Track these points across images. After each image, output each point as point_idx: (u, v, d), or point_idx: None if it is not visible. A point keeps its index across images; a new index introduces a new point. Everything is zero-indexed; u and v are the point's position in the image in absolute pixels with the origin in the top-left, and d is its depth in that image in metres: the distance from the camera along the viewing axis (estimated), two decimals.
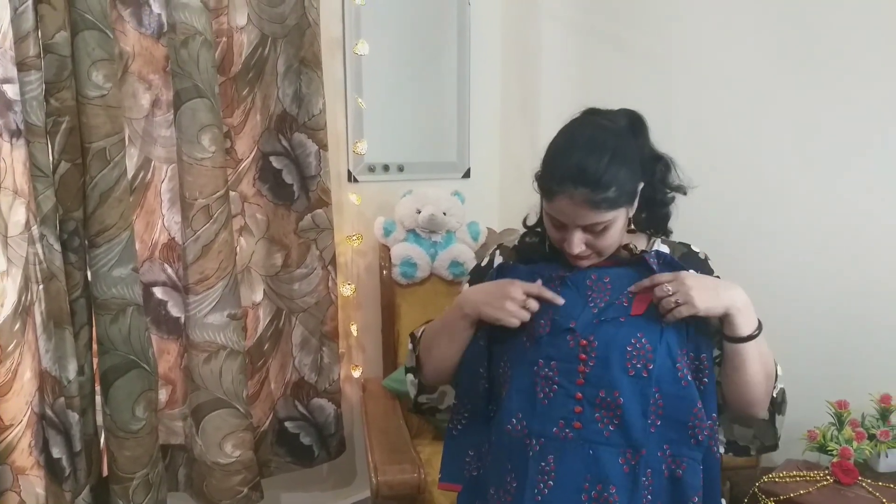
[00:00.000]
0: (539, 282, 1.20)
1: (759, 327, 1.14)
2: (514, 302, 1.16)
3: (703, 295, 1.10)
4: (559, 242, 1.19)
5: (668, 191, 1.25)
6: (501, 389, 1.20)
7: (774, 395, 1.17)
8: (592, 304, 1.16)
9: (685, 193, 1.26)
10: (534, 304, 1.16)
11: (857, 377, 1.72)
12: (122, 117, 1.54)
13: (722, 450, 1.24)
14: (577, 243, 1.14)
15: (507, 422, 1.15)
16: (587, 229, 1.14)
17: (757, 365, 1.14)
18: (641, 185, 1.18)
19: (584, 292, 1.19)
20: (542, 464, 1.10)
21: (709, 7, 1.87)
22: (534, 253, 1.30)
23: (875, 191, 1.71)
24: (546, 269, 1.24)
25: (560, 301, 1.17)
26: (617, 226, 1.15)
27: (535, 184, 1.21)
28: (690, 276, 1.13)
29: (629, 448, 1.09)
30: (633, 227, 1.27)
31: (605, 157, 1.09)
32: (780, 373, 1.19)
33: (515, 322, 1.16)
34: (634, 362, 1.11)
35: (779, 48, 1.78)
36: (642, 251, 1.21)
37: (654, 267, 1.17)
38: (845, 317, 1.76)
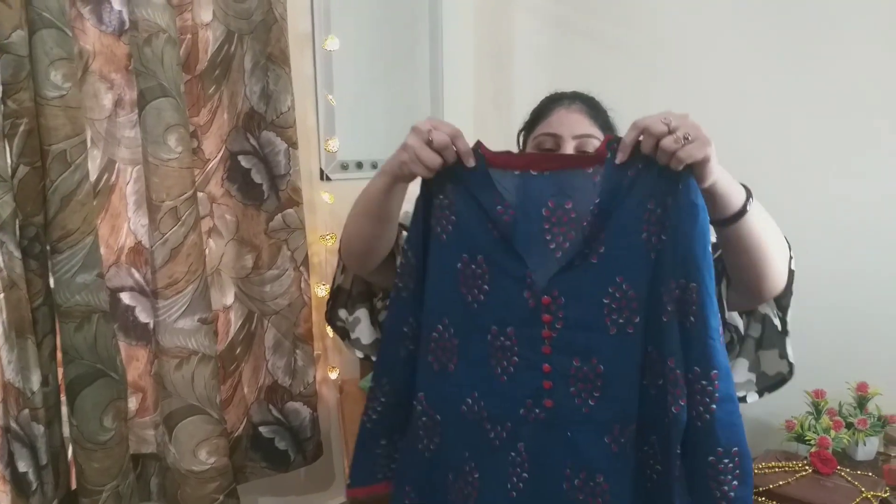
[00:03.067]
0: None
1: (749, 193, 0.90)
2: (417, 135, 0.88)
3: (701, 143, 0.84)
4: None
5: None
6: (446, 359, 0.97)
7: (792, 268, 0.99)
8: (553, 244, 0.91)
9: None
10: (441, 138, 0.87)
11: (833, 366, 1.72)
12: (83, 118, 1.48)
13: (754, 398, 1.05)
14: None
15: (460, 401, 0.95)
16: (579, 147, 1.10)
17: (766, 237, 0.92)
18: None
19: (541, 225, 0.91)
20: (513, 454, 0.93)
21: None
22: None
23: (851, 179, 1.72)
24: (488, 194, 0.92)
25: (471, 162, 0.89)
26: None
27: (522, 133, 1.23)
28: (693, 121, 0.87)
29: (616, 423, 0.91)
30: None
31: (593, 97, 1.18)
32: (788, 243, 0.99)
33: (419, 169, 0.89)
34: (615, 316, 0.89)
35: (755, 37, 1.78)
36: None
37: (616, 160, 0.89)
38: (821, 306, 1.77)
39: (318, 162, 2.01)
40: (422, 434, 0.99)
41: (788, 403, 1.66)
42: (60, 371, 1.55)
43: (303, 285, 1.87)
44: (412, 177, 0.94)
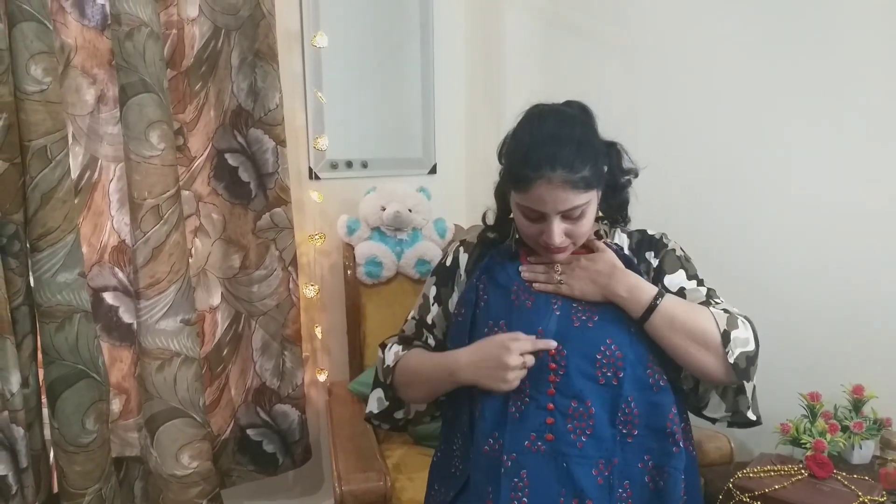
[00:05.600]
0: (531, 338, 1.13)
1: (650, 308, 1.11)
2: (515, 371, 1.10)
3: (582, 282, 1.15)
4: (535, 237, 1.15)
5: (624, 175, 1.23)
6: (474, 408, 1.16)
7: (732, 361, 1.09)
8: (554, 306, 1.15)
9: (637, 175, 1.24)
10: (531, 360, 1.10)
11: (828, 368, 1.70)
12: (63, 113, 1.46)
13: (723, 425, 1.22)
14: (558, 233, 1.11)
15: (483, 443, 1.11)
16: (565, 216, 1.10)
17: (675, 338, 1.10)
18: (606, 169, 1.16)
19: (549, 296, 1.17)
20: (516, 479, 1.06)
21: None
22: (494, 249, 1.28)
23: (846, 181, 1.70)
24: (511, 267, 1.21)
25: (553, 344, 1.11)
26: (591, 210, 1.14)
27: (502, 181, 1.20)
28: (581, 265, 1.16)
29: (601, 458, 1.07)
30: (599, 213, 1.24)
31: (574, 140, 1.08)
32: (738, 336, 1.10)
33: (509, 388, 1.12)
34: (605, 370, 1.09)
35: (744, 33, 1.76)
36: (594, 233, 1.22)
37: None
38: (815, 308, 1.75)
39: (307, 160, 1.98)
40: (456, 473, 1.20)
41: (783, 406, 1.63)
42: (41, 372, 1.52)
43: (291, 286, 1.84)
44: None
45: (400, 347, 1.30)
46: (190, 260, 1.68)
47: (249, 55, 1.71)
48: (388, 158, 2.12)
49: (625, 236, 1.26)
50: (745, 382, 1.12)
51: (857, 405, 1.63)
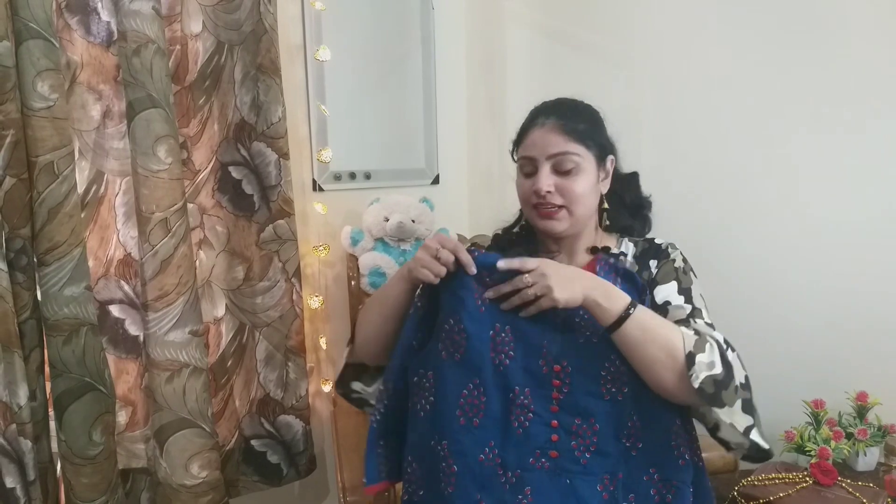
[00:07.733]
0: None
1: (622, 318, 1.05)
2: (426, 250, 1.11)
3: (561, 286, 1.06)
4: (529, 195, 1.18)
5: (641, 198, 1.27)
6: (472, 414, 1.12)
7: (697, 386, 1.01)
8: (557, 318, 1.12)
9: (650, 208, 1.29)
10: (446, 255, 1.09)
11: (832, 375, 1.70)
12: (70, 129, 1.47)
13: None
14: (545, 178, 1.14)
15: (478, 451, 1.09)
16: (556, 168, 1.14)
17: (644, 350, 1.05)
18: (612, 159, 1.21)
19: (551, 312, 1.12)
20: (520, 496, 1.06)
21: (672, 8, 1.86)
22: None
23: (843, 192, 1.71)
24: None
25: (472, 270, 1.09)
26: (586, 177, 1.16)
27: (513, 150, 1.25)
28: (550, 267, 1.08)
29: (606, 474, 1.07)
30: (608, 222, 1.25)
31: (576, 105, 1.20)
32: (703, 360, 1.03)
33: (430, 277, 1.10)
34: (609, 386, 1.08)
35: (747, 44, 1.77)
36: (602, 248, 1.22)
37: (602, 274, 1.15)
38: (819, 315, 1.75)
39: (310, 172, 1.99)
40: (441, 476, 1.12)
41: (787, 414, 1.64)
42: (48, 385, 1.53)
43: (294, 297, 1.85)
44: (420, 282, 1.14)
45: None
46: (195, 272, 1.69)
47: (252, 69, 1.73)
48: (391, 170, 2.14)
49: (631, 244, 1.26)
50: (719, 408, 1.04)
51: (862, 412, 1.63)
